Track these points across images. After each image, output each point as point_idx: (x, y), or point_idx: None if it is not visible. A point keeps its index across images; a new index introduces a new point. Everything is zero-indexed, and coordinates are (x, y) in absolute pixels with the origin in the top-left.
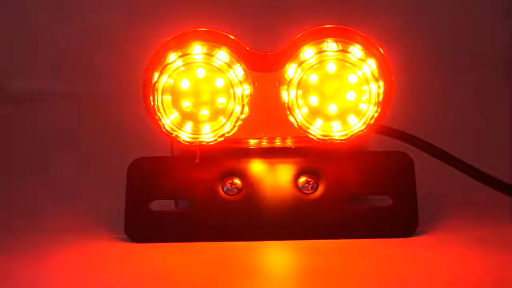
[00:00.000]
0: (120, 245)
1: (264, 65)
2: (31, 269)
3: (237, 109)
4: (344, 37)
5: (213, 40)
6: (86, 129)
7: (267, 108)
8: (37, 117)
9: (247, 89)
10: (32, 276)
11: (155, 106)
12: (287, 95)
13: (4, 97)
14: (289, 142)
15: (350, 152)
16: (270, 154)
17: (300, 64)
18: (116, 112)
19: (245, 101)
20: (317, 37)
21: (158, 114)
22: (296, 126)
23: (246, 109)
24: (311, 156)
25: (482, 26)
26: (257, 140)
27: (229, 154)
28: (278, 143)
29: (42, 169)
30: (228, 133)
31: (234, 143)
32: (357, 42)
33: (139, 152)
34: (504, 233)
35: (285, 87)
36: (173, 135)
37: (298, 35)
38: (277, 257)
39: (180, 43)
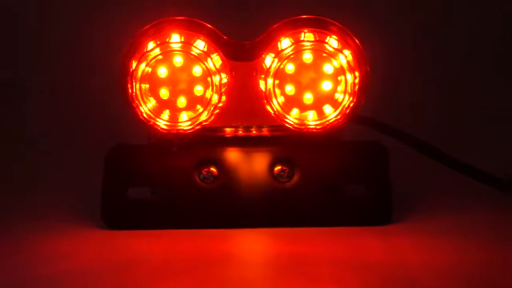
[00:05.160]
0: (98, 231)
1: (242, 54)
2: (9, 255)
3: (215, 97)
4: (321, 28)
5: (191, 29)
6: (64, 117)
7: (243, 97)
8: (15, 108)
9: (224, 78)
10: (11, 262)
11: (133, 94)
12: (264, 84)
13: None
14: (265, 131)
15: (325, 142)
16: (246, 142)
17: (278, 53)
18: (94, 100)
19: (223, 89)
20: (294, 27)
21: (136, 102)
22: (273, 115)
23: (223, 98)
24: (287, 145)
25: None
26: (233, 129)
27: (206, 143)
28: (254, 132)
29: (19, 158)
30: (205, 121)
31: (210, 131)
32: (333, 33)
33: (117, 140)
34: (478, 221)
35: (263, 76)
36: (151, 123)
37: (275, 25)
38: (253, 244)
39: (158, 31)
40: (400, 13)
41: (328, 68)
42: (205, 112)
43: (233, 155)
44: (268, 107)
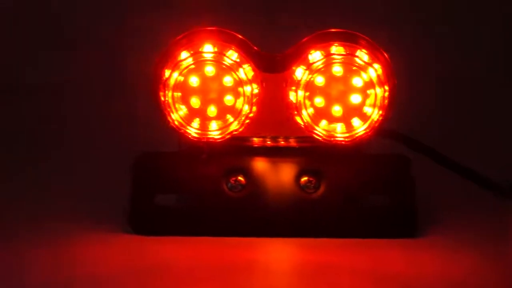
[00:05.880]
0: (124, 237)
1: (271, 66)
2: (33, 259)
3: (246, 108)
4: (350, 41)
5: (223, 39)
6: (93, 121)
7: (272, 108)
8: (46, 107)
9: (256, 88)
10: (35, 266)
11: (166, 102)
12: (295, 96)
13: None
14: (292, 142)
15: (352, 154)
16: (274, 153)
17: (309, 66)
18: (124, 106)
19: (254, 100)
20: (324, 40)
21: (168, 109)
22: (303, 126)
23: (254, 108)
24: (314, 156)
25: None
26: (261, 139)
27: (234, 152)
28: (282, 142)
29: (43, 160)
30: (235, 131)
31: (239, 141)
32: (363, 47)
33: (145, 147)
34: (499, 236)
35: (293, 88)
36: (182, 131)
37: (306, 39)
38: (278, 253)
39: (191, 41)
40: (399, 13)
41: (357, 81)
42: (236, 122)
43: (260, 165)
44: (298, 118)
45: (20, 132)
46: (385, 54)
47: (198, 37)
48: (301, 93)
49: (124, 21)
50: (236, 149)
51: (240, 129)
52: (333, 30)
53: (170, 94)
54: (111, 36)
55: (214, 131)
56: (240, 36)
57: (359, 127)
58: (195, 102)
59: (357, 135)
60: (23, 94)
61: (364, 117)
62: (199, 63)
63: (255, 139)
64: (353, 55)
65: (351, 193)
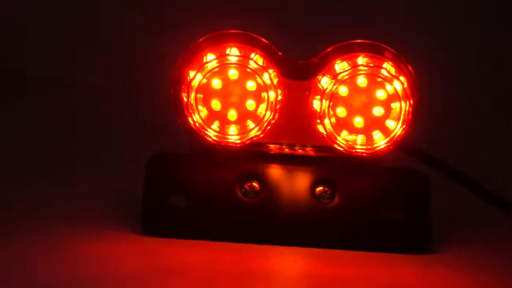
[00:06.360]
0: (135, 238)
1: (296, 73)
2: (44, 256)
3: (268, 114)
4: (376, 53)
5: (248, 43)
6: (106, 121)
7: (289, 115)
8: (58, 105)
9: (280, 94)
10: (47, 264)
11: (188, 103)
12: (319, 104)
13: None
14: (309, 151)
15: (369, 167)
16: (290, 160)
17: (335, 76)
18: (138, 107)
19: (277, 106)
20: (350, 51)
21: (190, 111)
22: (325, 135)
23: (277, 115)
24: (330, 166)
25: None
26: (278, 146)
27: (250, 157)
28: (299, 150)
29: (56, 157)
30: (256, 137)
31: (255, 146)
32: (389, 59)
33: (155, 147)
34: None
35: (318, 97)
36: (202, 133)
37: (331, 48)
38: (288, 262)
39: (215, 44)
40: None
41: (381, 94)
42: (257, 128)
43: (276, 172)
44: (321, 127)
45: (25, 131)
46: (410, 67)
47: (223, 39)
48: (325, 102)
49: (143, 20)
50: (252, 155)
51: (261, 135)
52: (359, 40)
53: (193, 95)
54: (126, 35)
55: (233, 135)
56: (265, 41)
57: (380, 141)
58: (215, 105)
59: (378, 148)
60: (24, 91)
61: (386, 131)
62: (223, 66)
63: (271, 145)
64: (380, 67)
65: (366, 206)
